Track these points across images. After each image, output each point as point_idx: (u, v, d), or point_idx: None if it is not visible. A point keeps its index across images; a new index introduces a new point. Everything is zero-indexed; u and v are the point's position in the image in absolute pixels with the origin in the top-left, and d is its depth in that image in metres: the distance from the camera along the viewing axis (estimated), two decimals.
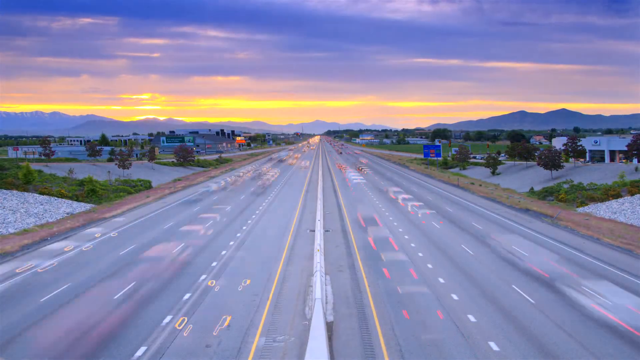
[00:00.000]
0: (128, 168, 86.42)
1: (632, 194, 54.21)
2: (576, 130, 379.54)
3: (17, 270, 30.73)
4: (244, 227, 45.18)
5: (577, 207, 55.60)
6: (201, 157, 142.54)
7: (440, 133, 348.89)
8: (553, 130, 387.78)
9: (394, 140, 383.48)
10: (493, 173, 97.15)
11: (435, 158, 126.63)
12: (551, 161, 77.11)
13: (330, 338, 20.19)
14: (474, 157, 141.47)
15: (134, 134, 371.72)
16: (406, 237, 40.94)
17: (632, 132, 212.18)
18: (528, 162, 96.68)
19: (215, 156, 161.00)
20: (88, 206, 56.59)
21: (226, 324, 22.26)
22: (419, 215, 51.65)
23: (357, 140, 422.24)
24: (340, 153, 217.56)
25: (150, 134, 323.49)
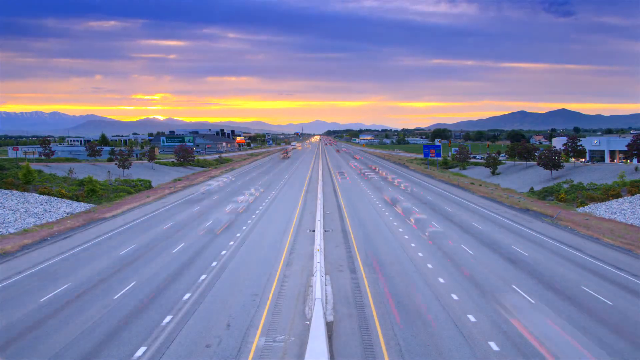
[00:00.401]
0: (128, 168, 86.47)
1: (632, 194, 54.22)
2: (576, 130, 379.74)
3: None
4: (244, 227, 45.15)
5: (577, 207, 55.59)
6: (201, 157, 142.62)
7: (440, 133, 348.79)
8: (553, 130, 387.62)
9: (394, 140, 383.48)
10: (493, 173, 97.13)
11: (435, 158, 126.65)
12: (551, 161, 77.13)
13: (330, 338, 20.20)
14: (474, 157, 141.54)
15: (134, 134, 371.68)
16: (406, 237, 40.94)
17: (632, 132, 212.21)
18: (528, 162, 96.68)
19: (215, 156, 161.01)
20: (88, 206, 56.60)
21: (226, 323, 22.27)
22: (419, 214, 51.62)
23: (357, 140, 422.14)
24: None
25: (150, 134, 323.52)
